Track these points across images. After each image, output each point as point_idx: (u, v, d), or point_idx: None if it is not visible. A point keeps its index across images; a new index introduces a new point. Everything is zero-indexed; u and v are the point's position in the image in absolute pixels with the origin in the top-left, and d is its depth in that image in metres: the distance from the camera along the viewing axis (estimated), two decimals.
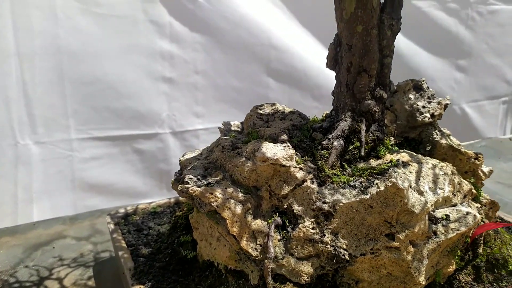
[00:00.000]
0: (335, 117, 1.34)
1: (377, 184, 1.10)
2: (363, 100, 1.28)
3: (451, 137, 1.43)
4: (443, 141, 1.37)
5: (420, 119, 1.38)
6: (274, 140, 1.23)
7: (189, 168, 1.30)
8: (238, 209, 1.14)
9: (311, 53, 3.10)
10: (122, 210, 1.81)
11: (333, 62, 1.33)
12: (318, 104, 3.23)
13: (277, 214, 1.17)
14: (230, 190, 1.16)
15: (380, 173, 1.16)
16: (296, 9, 3.06)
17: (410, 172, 1.16)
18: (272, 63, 3.07)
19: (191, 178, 1.21)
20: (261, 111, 1.43)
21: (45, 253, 1.91)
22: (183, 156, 1.49)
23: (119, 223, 1.72)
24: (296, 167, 1.16)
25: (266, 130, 1.28)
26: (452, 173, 1.26)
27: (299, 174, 1.15)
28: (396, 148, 1.36)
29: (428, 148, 1.40)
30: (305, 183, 1.14)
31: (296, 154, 1.21)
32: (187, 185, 1.18)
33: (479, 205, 1.30)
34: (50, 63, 2.41)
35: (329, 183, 1.16)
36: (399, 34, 1.28)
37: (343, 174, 1.21)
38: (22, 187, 2.51)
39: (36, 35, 2.33)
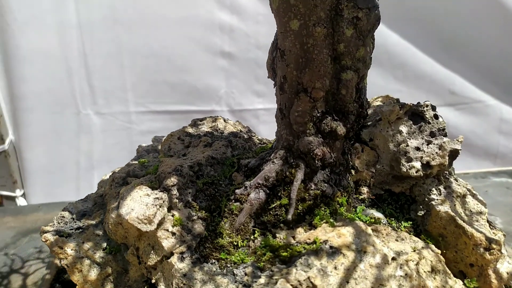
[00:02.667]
0: (271, 152, 0.92)
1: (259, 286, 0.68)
2: (302, 134, 0.84)
3: (466, 200, 0.88)
4: (443, 208, 0.84)
5: (404, 169, 0.86)
6: (161, 182, 0.88)
7: (81, 199, 1.03)
8: (93, 274, 0.84)
9: (396, 26, 2.53)
10: None
11: (271, 71, 0.89)
12: (401, 86, 2.66)
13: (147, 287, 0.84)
14: (87, 245, 0.86)
15: (287, 261, 0.73)
16: None
17: (335, 268, 0.71)
18: None
19: (63, 218, 0.94)
20: (191, 130, 1.07)
21: (31, 241, 1.86)
22: (110, 173, 1.22)
23: None
24: (167, 231, 0.80)
25: (165, 163, 0.92)
26: (433, 271, 0.76)
27: (166, 243, 0.79)
28: (360, 208, 0.88)
29: (421, 213, 0.88)
30: (171, 258, 0.78)
31: (186, 205, 0.84)
32: (46, 228, 0.91)
33: None
34: (108, 35, 2.37)
35: (213, 260, 0.78)
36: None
37: (247, 246, 0.81)
38: (84, 154, 2.59)
39: (94, 6, 2.30)
